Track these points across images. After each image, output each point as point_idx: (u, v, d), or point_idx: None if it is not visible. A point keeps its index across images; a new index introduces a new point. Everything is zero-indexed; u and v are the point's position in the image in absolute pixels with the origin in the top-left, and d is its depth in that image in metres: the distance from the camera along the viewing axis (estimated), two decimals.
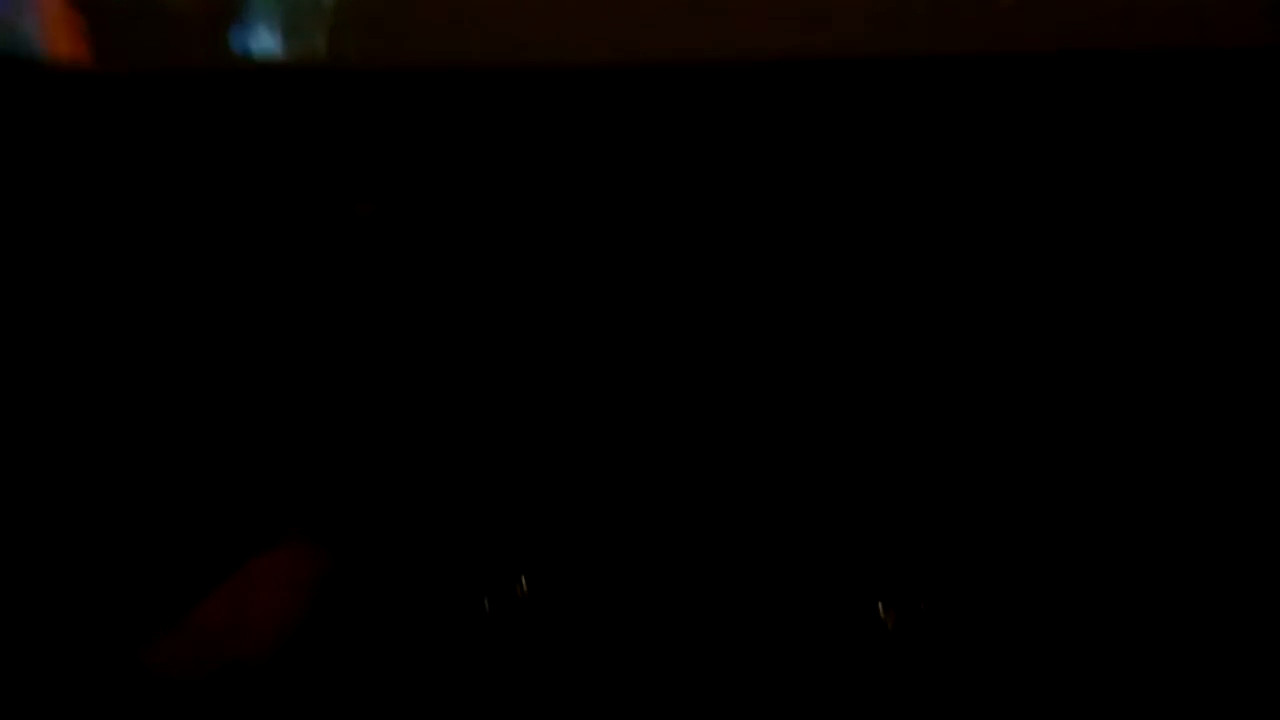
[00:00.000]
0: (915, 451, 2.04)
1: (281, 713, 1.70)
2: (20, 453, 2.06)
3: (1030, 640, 1.88)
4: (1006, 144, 2.23)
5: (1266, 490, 1.95)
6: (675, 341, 2.21)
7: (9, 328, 2.21)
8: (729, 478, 2.07)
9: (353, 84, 2.64)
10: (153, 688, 1.66)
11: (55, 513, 1.99)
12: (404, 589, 1.87)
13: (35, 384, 2.16)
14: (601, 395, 2.13)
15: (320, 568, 1.76)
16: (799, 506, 2.04)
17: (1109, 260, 2.15)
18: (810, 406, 2.11)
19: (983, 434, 2.06)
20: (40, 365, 2.17)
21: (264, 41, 2.65)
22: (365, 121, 2.60)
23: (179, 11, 2.68)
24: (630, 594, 1.97)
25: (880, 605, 1.88)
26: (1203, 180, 2.12)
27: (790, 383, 2.16)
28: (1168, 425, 2.02)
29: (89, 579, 1.90)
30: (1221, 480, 1.99)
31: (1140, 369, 2.08)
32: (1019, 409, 2.07)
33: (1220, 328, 2.08)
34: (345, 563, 1.86)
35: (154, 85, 2.69)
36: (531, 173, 2.43)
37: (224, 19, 2.66)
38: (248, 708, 1.68)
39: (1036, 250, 2.16)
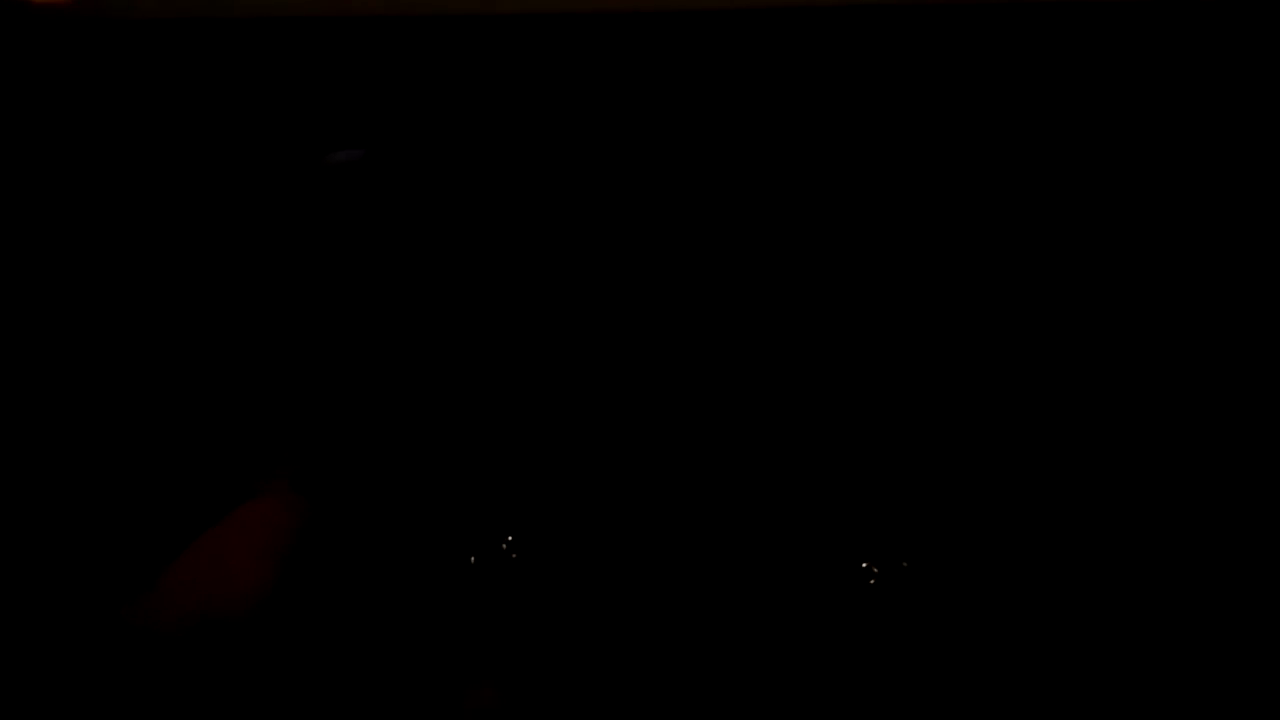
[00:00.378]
0: (899, 426, 2.05)
1: (263, 667, 1.69)
2: None
3: (1008, 598, 1.90)
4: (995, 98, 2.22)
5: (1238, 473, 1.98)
6: (658, 311, 2.19)
7: None
8: (715, 446, 2.06)
9: (328, 30, 2.58)
10: (134, 645, 1.64)
11: (27, 466, 1.97)
12: (388, 541, 1.87)
13: (11, 333, 2.12)
14: (585, 358, 2.10)
15: (301, 518, 1.73)
16: (784, 479, 2.05)
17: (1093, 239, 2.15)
18: (792, 380, 2.10)
19: (961, 413, 2.07)
20: (18, 312, 2.14)
21: None
22: (344, 68, 2.54)
23: None
24: (615, 550, 1.97)
25: (865, 564, 1.89)
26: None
27: (773, 358, 2.15)
28: (1145, 407, 2.04)
29: (64, 537, 1.88)
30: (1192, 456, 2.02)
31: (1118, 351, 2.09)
32: (995, 387, 2.08)
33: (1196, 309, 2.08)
34: (327, 512, 1.83)
35: (129, 29, 2.62)
36: (521, 122, 2.38)
37: None
38: (229, 663, 1.67)
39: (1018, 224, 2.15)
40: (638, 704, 1.82)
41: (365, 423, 1.95)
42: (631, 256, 2.16)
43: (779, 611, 1.87)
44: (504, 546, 1.85)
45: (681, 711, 1.82)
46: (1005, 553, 1.92)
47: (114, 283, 2.15)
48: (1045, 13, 2.19)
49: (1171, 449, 1.97)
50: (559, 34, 2.34)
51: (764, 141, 2.17)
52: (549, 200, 2.22)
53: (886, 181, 2.11)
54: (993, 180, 2.10)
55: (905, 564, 1.89)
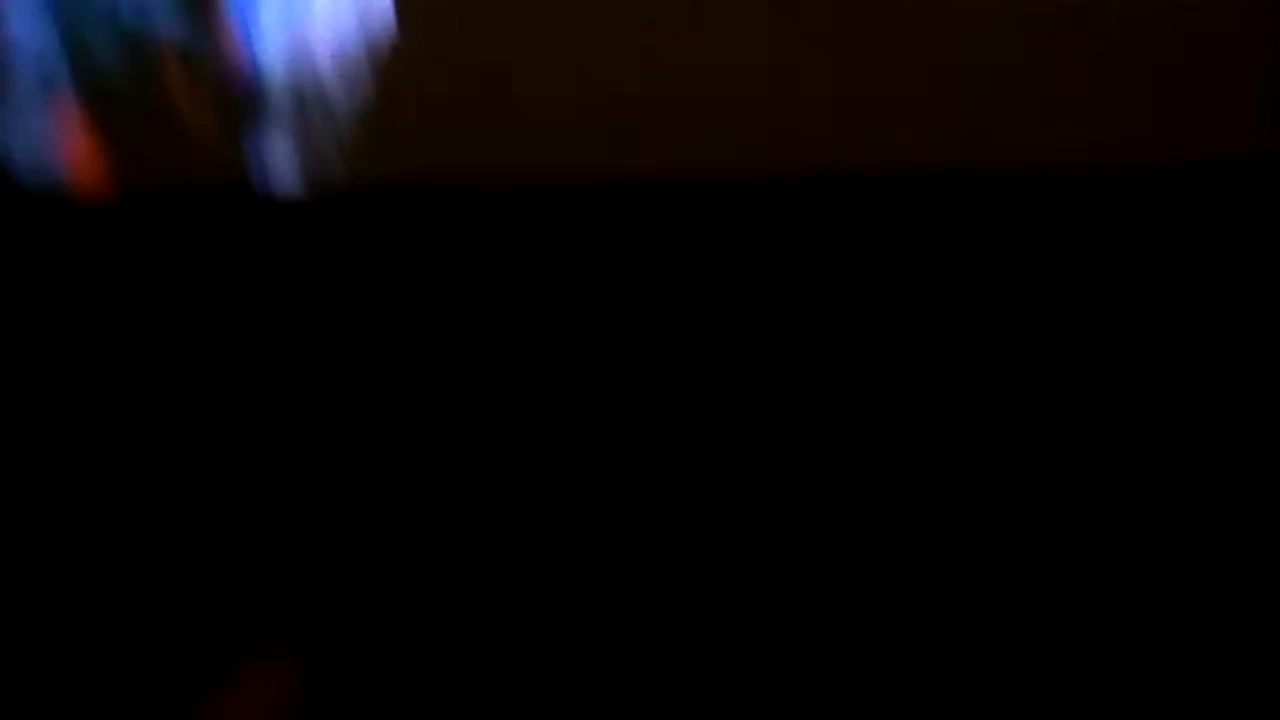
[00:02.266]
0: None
1: None
2: None
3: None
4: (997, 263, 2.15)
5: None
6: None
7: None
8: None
9: (364, 207, 2.50)
10: None
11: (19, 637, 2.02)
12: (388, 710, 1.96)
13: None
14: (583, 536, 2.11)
15: (297, 687, 1.80)
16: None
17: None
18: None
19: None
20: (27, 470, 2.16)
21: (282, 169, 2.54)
22: (375, 244, 2.43)
23: (199, 140, 2.52)
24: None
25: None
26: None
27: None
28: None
29: (58, 708, 1.96)
30: None
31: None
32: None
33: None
34: (322, 681, 1.92)
35: (174, 214, 2.50)
36: (547, 293, 2.29)
37: (242, 145, 2.53)
38: None
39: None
40: None
41: (362, 586, 2.03)
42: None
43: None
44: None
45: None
46: None
47: (129, 450, 2.19)
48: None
49: None
50: (585, 207, 2.34)
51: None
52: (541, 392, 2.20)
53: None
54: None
55: None
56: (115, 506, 2.09)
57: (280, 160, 2.67)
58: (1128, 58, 2.21)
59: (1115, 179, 2.19)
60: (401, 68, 2.57)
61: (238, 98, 2.66)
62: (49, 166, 2.72)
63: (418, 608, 2.01)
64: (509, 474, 2.09)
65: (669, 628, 2.04)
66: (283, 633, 1.94)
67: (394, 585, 2.01)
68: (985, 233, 2.16)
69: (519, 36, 2.46)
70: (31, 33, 2.67)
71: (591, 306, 2.31)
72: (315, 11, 2.60)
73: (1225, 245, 2.09)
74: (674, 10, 2.34)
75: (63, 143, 2.71)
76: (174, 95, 2.65)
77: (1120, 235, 2.14)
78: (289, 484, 2.08)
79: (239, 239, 2.60)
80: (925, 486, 2.07)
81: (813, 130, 2.29)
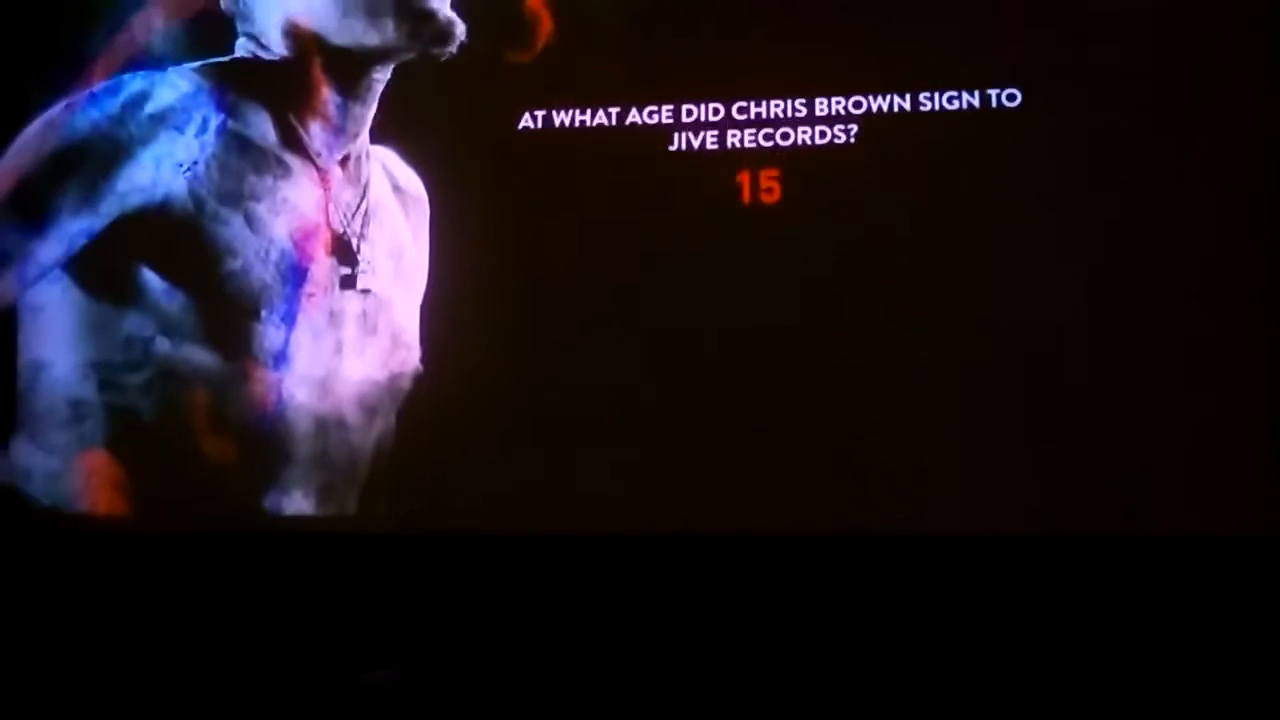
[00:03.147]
0: None
1: None
2: None
3: None
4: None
5: None
6: None
7: None
8: None
9: (378, 547, 2.64)
10: None
11: None
12: None
13: None
14: None
15: None
16: None
17: None
18: None
19: None
20: None
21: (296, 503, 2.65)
22: (388, 583, 2.59)
23: (215, 472, 2.72)
24: None
25: None
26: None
27: None
28: None
29: None
30: None
31: None
32: None
33: None
34: None
35: (186, 543, 2.68)
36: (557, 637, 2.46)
37: (257, 480, 2.70)
38: None
39: None
40: None
41: None
42: None
43: None
44: None
45: None
46: None
47: None
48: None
49: None
50: (587, 554, 2.52)
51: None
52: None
53: None
54: None
55: None
56: None
57: (297, 493, 2.67)
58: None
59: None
60: (425, 409, 2.66)
61: (261, 430, 2.71)
62: (67, 490, 2.71)
63: None
64: None
65: None
66: None
67: None
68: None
69: (542, 392, 2.59)
70: (58, 357, 2.80)
71: (600, 647, 2.32)
72: (343, 349, 2.74)
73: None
74: None
75: (82, 467, 2.72)
76: (198, 425, 2.70)
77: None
78: None
79: (250, 571, 2.57)
80: None
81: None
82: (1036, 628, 2.29)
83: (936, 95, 2.54)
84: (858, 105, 2.56)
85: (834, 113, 2.57)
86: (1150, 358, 2.38)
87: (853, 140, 2.56)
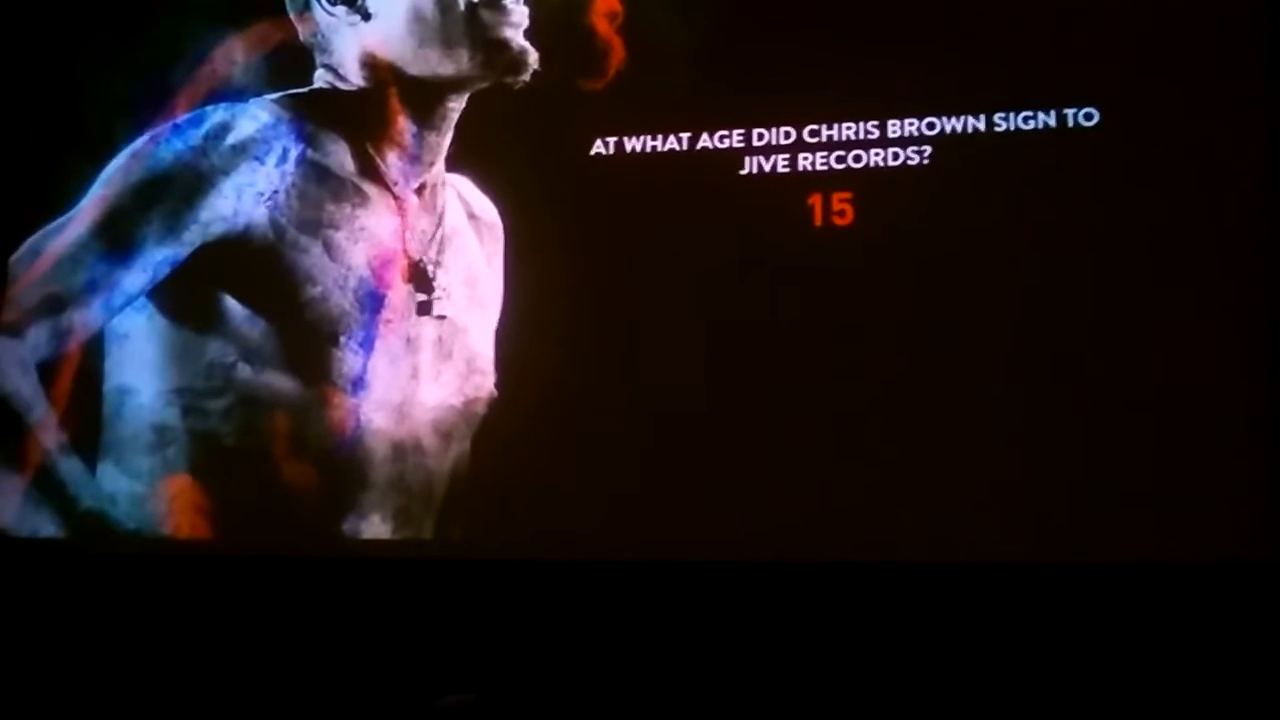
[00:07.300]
0: None
1: None
2: None
3: None
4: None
5: None
6: None
7: None
8: None
9: (454, 571, 2.66)
10: None
11: None
12: None
13: None
14: None
15: None
16: None
17: None
18: None
19: None
20: None
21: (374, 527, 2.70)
22: (464, 608, 2.60)
23: (294, 496, 2.76)
24: None
25: None
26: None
27: None
28: None
29: None
30: None
31: None
32: None
33: None
34: None
35: (266, 565, 2.72)
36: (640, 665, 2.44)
37: (335, 504, 2.74)
38: None
39: None
40: None
41: None
42: None
43: None
44: None
45: None
46: None
47: None
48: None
49: None
50: (664, 580, 2.52)
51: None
52: None
53: None
54: None
55: None
56: None
57: (374, 517, 2.70)
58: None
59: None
60: (500, 434, 2.68)
61: (339, 455, 2.76)
62: (151, 514, 2.77)
63: None
64: None
65: None
66: None
67: None
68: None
69: (616, 417, 2.61)
70: (143, 383, 2.86)
71: (680, 674, 2.30)
72: (420, 374, 2.77)
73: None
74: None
75: (166, 491, 2.78)
76: (278, 450, 2.75)
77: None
78: None
79: (328, 594, 2.61)
80: None
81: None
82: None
83: (1012, 115, 2.52)
84: (931, 127, 2.55)
85: (907, 134, 2.55)
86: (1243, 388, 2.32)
87: (926, 162, 2.54)
